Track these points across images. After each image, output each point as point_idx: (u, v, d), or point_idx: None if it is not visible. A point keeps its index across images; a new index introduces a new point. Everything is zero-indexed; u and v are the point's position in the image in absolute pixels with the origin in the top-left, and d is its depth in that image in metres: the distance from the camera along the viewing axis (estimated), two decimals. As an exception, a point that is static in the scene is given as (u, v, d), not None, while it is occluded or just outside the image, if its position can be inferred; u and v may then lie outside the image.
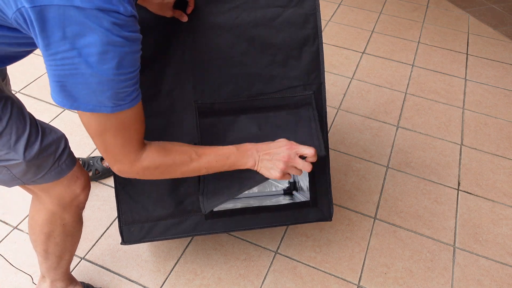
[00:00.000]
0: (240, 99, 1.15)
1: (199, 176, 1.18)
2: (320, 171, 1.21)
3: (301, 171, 0.97)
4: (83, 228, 1.45)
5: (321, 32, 1.14)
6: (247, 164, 0.97)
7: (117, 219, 1.19)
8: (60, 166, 0.92)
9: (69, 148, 0.96)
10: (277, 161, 0.95)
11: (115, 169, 0.87)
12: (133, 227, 1.19)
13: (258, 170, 0.99)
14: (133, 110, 0.78)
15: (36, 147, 0.86)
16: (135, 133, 0.83)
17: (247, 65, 1.14)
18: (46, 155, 0.88)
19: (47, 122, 1.81)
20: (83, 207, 1.05)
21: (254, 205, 1.24)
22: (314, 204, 1.23)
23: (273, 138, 1.16)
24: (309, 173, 1.21)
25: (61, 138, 0.93)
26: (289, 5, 1.12)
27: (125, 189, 1.16)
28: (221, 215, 1.21)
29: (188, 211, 1.19)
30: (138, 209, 1.18)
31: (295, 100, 1.17)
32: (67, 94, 0.71)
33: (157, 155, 0.89)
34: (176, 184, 1.18)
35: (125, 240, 1.20)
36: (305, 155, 0.96)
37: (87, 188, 1.02)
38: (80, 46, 0.65)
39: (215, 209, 1.20)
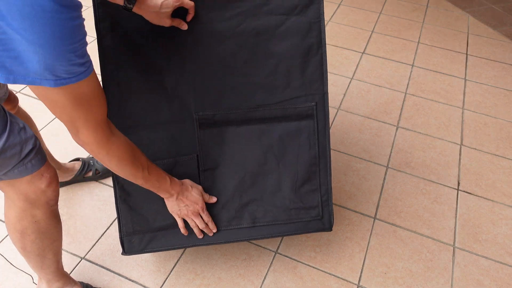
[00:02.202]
0: (241, 110, 1.14)
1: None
2: (322, 182, 1.20)
3: (196, 225, 1.18)
4: (83, 227, 1.46)
5: (325, 41, 1.12)
6: (164, 195, 1.12)
7: (117, 222, 1.19)
8: (25, 165, 0.89)
9: (39, 148, 0.92)
10: (184, 209, 1.14)
11: (80, 139, 0.84)
12: (134, 238, 1.18)
13: (166, 201, 1.14)
14: (84, 84, 0.73)
15: None
16: (96, 108, 0.80)
17: (249, 74, 1.12)
18: (10, 155, 0.85)
19: (48, 122, 1.82)
20: (55, 204, 1.01)
21: None
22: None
23: (274, 150, 1.17)
24: None
25: (29, 139, 0.89)
26: (292, 13, 1.09)
27: (126, 201, 1.16)
28: (221, 226, 1.21)
29: (188, 222, 1.19)
30: (138, 220, 1.17)
31: (297, 111, 1.15)
32: None
33: (125, 149, 0.92)
34: None
35: (126, 251, 1.20)
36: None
37: (53, 184, 0.97)
38: (1, 9, 0.59)
39: (214, 220, 1.20)
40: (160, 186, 1.07)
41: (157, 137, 1.13)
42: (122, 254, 1.20)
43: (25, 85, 2.06)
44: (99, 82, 0.80)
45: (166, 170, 1.14)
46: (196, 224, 1.17)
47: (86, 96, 0.76)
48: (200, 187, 1.18)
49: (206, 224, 1.18)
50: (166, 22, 1.03)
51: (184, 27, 1.06)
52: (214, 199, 1.19)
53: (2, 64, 0.65)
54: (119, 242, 1.19)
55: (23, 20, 0.60)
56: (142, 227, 1.18)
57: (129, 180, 1.01)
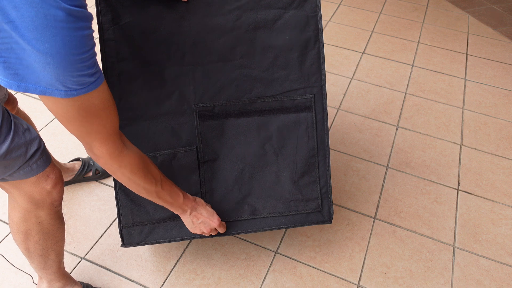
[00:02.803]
0: (240, 102, 1.15)
1: (199, 178, 1.18)
2: (321, 174, 1.21)
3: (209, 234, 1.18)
4: (83, 227, 1.46)
5: (322, 34, 1.14)
6: (177, 211, 1.11)
7: (117, 213, 1.19)
8: (31, 166, 0.89)
9: (44, 149, 0.93)
10: (200, 226, 1.14)
11: (94, 153, 0.84)
12: (133, 229, 1.19)
13: (181, 217, 1.14)
14: (95, 96, 0.73)
15: (4, 147, 0.82)
16: (107, 120, 0.80)
17: (247, 67, 1.14)
18: (15, 156, 0.85)
19: (48, 122, 1.82)
20: (59, 205, 1.01)
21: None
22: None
23: (273, 142, 1.19)
24: None
25: (34, 140, 0.89)
26: (290, 7, 1.11)
27: (126, 192, 1.16)
28: (221, 217, 1.21)
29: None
30: (138, 212, 1.18)
31: (295, 103, 1.17)
32: (12, 73, 0.65)
33: (138, 161, 0.92)
34: None
35: (125, 243, 1.20)
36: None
37: (58, 185, 0.97)
38: (14, 19, 0.59)
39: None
40: (173, 202, 1.06)
41: (157, 129, 1.14)
42: (121, 246, 1.20)
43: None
44: (110, 93, 0.80)
45: (165, 162, 1.15)
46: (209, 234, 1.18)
47: (96, 108, 0.76)
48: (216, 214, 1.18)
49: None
50: None
51: None
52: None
53: (15, 71, 0.65)
54: (119, 234, 1.19)
55: (36, 30, 0.61)
56: (142, 218, 1.18)
57: (142, 195, 1.00)
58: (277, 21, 1.12)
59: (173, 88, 1.12)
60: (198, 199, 1.15)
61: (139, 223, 1.18)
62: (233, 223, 1.21)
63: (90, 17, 0.68)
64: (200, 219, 1.13)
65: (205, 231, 1.15)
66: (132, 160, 0.91)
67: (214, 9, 1.09)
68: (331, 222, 1.25)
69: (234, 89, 1.14)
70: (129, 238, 1.19)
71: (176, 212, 1.12)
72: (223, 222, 1.18)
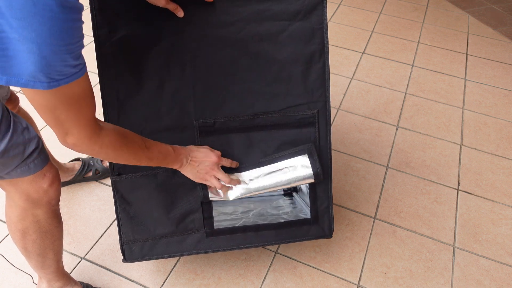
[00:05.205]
0: (242, 117, 1.12)
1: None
2: (322, 189, 1.20)
3: (219, 183, 1.11)
4: (83, 227, 1.46)
5: (327, 47, 1.09)
6: (175, 166, 1.06)
7: (117, 229, 1.17)
8: (28, 165, 0.90)
9: (41, 148, 0.93)
10: (201, 170, 1.09)
11: (68, 142, 0.82)
12: (134, 245, 1.17)
13: (182, 171, 1.09)
14: (75, 85, 0.73)
15: (2, 145, 0.82)
16: (86, 108, 0.79)
17: (249, 81, 1.10)
18: (13, 154, 0.85)
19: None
20: (56, 204, 1.01)
21: (254, 210, 1.23)
22: (315, 221, 1.22)
23: (273, 159, 1.15)
24: (310, 190, 1.19)
25: (32, 139, 0.90)
26: (295, 19, 1.07)
27: (126, 210, 1.15)
28: (222, 232, 1.19)
29: (189, 230, 1.18)
30: (139, 229, 1.17)
31: (298, 119, 1.13)
32: None
33: (116, 137, 0.91)
34: (176, 204, 1.16)
35: (127, 258, 1.19)
36: (220, 179, 1.11)
37: (55, 183, 0.97)
38: (0, 6, 0.59)
39: (216, 227, 1.19)
40: (166, 157, 1.03)
41: None
42: (122, 261, 1.19)
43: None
44: (90, 82, 0.79)
45: (165, 178, 1.12)
46: (219, 184, 1.12)
47: (76, 96, 0.76)
48: (215, 150, 1.12)
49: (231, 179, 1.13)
50: (161, 2, 1.00)
51: (180, 13, 1.02)
52: (235, 163, 1.14)
53: None
54: (120, 249, 1.19)
55: (23, 18, 0.60)
56: (143, 235, 1.17)
57: (134, 164, 0.99)
58: (281, 33, 1.07)
59: (173, 103, 1.09)
60: (189, 146, 1.11)
61: (140, 239, 1.17)
62: (236, 238, 1.20)
63: (81, 8, 0.67)
64: (197, 163, 1.08)
65: (209, 171, 1.08)
66: (111, 137, 0.89)
67: (216, 21, 1.05)
68: (331, 237, 1.24)
69: (236, 104, 1.11)
70: (130, 254, 1.18)
71: (176, 167, 1.07)
72: (228, 159, 1.13)
